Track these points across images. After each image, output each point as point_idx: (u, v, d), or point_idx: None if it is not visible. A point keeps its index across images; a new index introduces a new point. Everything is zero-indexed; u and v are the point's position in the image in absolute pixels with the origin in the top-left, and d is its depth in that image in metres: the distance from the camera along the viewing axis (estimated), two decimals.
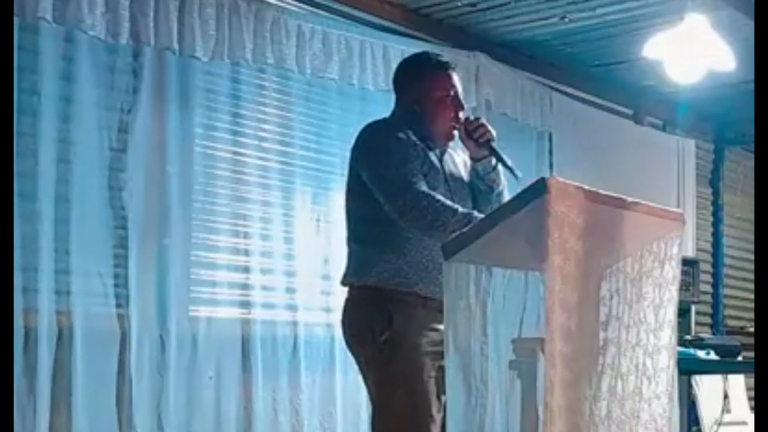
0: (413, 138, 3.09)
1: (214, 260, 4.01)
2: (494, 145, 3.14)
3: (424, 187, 2.97)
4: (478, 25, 5.04)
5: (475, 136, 3.14)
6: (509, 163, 3.12)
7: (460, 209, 2.92)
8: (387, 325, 2.99)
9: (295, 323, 4.19)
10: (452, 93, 3.18)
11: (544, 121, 5.47)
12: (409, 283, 3.03)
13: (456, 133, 3.18)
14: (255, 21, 4.04)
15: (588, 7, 4.80)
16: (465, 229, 2.66)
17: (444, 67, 3.21)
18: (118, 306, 3.65)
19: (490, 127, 3.16)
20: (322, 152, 4.40)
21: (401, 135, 3.07)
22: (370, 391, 3.11)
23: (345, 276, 3.17)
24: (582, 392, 2.39)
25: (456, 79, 3.21)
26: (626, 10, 4.81)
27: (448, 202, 2.94)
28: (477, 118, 3.22)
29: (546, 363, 2.28)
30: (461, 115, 3.19)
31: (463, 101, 3.23)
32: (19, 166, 3.26)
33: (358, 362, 3.14)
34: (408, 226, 2.99)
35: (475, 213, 2.92)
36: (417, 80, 3.21)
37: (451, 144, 3.24)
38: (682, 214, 2.83)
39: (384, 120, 3.23)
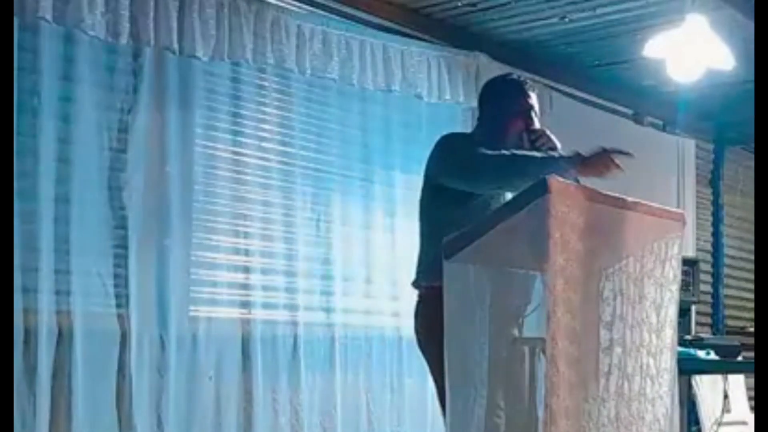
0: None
1: (214, 260, 4.01)
2: (555, 154, 3.35)
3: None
4: (478, 25, 5.04)
5: (537, 144, 3.39)
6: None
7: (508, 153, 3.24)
8: None
9: (295, 323, 4.19)
10: (524, 109, 3.46)
11: (544, 121, 5.45)
12: None
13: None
14: (255, 21, 4.04)
15: (588, 7, 4.80)
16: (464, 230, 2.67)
17: (518, 86, 3.53)
18: (118, 306, 3.64)
19: (553, 137, 3.44)
20: (322, 152, 4.40)
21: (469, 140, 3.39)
22: None
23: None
24: (587, 393, 2.39)
25: (532, 98, 3.51)
26: (626, 10, 4.81)
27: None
28: (539, 129, 3.48)
29: (547, 364, 2.27)
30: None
31: (536, 118, 3.51)
32: (19, 166, 3.26)
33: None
34: (483, 188, 3.27)
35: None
36: (494, 98, 3.54)
37: None
38: (682, 214, 2.83)
39: (462, 132, 3.60)
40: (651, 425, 2.57)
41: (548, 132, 3.48)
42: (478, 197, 3.30)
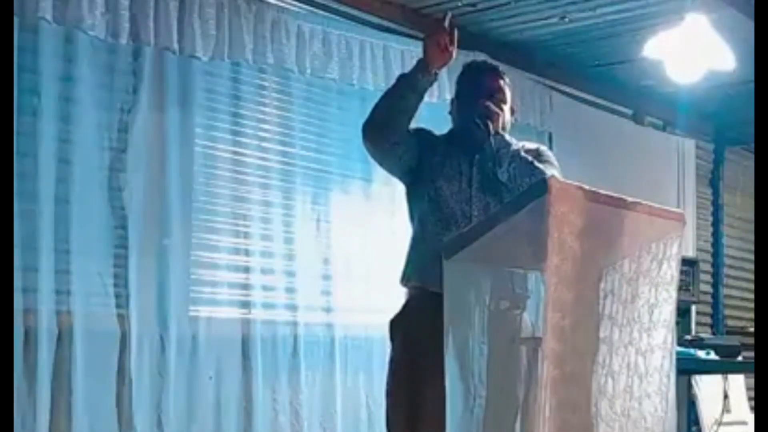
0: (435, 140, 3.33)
1: (214, 260, 4.01)
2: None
3: None
4: (478, 25, 5.04)
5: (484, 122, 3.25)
6: None
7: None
8: None
9: (295, 323, 4.19)
10: (472, 91, 3.31)
11: (544, 121, 5.47)
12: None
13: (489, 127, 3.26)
14: (255, 21, 4.04)
15: (588, 7, 4.80)
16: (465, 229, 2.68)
17: (465, 70, 3.42)
18: (118, 306, 3.64)
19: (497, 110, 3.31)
20: (322, 152, 4.40)
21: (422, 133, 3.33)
22: None
23: None
24: (575, 390, 2.40)
25: (486, 78, 3.36)
26: (626, 10, 4.81)
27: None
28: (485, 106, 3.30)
29: (543, 363, 2.28)
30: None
31: (490, 97, 3.31)
32: (19, 166, 3.26)
33: None
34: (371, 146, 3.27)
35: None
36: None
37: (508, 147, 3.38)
38: (682, 214, 2.83)
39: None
40: (636, 422, 2.57)
41: (494, 108, 3.29)
42: (420, 188, 3.32)
